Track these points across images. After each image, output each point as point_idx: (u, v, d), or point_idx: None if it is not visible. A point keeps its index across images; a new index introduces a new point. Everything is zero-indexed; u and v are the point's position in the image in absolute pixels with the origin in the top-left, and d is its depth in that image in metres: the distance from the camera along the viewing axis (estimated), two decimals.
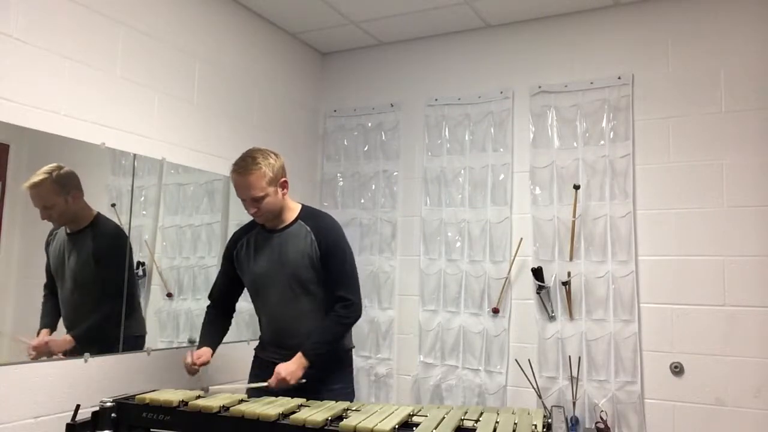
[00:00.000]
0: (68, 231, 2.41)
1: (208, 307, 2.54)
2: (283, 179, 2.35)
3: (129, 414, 1.92)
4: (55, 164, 2.31)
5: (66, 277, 2.38)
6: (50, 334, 2.26)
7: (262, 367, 2.42)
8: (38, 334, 2.26)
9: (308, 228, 2.36)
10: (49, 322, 2.28)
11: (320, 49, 3.95)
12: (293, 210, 2.42)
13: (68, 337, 2.37)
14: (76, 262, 2.40)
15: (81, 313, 2.44)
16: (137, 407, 1.91)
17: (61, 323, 2.36)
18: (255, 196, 2.26)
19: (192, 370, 2.28)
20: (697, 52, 3.02)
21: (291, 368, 2.19)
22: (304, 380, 2.20)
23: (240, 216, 3.22)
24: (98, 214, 2.49)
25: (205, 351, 2.33)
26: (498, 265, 3.32)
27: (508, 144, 3.38)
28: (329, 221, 2.43)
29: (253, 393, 2.21)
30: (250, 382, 2.44)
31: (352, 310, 2.33)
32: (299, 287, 2.34)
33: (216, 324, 2.49)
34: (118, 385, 2.45)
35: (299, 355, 2.22)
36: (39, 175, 2.26)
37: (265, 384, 2.20)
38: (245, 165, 2.27)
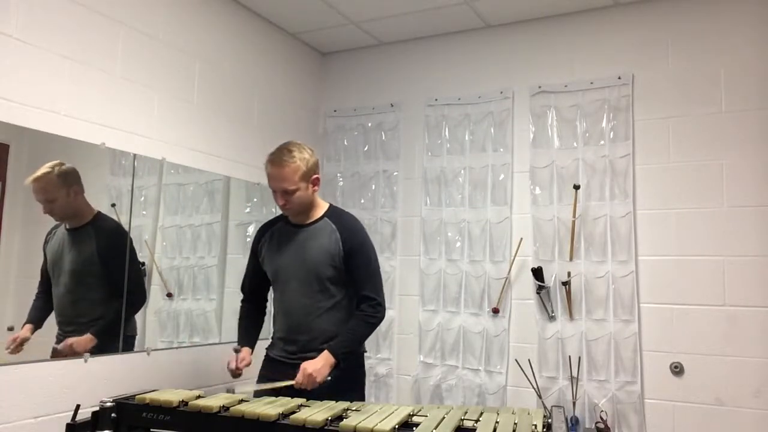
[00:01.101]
0: (68, 227, 2.43)
1: (242, 301, 2.58)
2: (315, 176, 2.37)
3: (129, 414, 1.92)
4: (57, 161, 2.35)
5: (63, 272, 2.39)
6: (33, 331, 2.26)
7: (270, 366, 2.42)
8: (22, 327, 2.25)
9: (334, 226, 2.37)
10: (35, 318, 2.28)
11: (320, 49, 3.95)
12: (321, 207, 2.44)
13: (90, 336, 2.42)
14: (76, 258, 2.42)
15: (78, 311, 2.45)
16: (137, 407, 1.91)
17: (51, 319, 2.35)
18: (287, 188, 2.29)
19: (236, 374, 2.32)
20: (697, 52, 3.02)
21: (318, 365, 2.19)
22: (329, 378, 2.20)
23: (240, 216, 3.23)
24: (98, 212, 2.51)
25: (247, 353, 2.37)
26: (498, 265, 3.32)
27: (508, 144, 3.38)
28: (355, 221, 2.46)
29: (269, 392, 2.21)
30: (258, 381, 2.44)
31: (378, 310, 2.34)
32: (318, 284, 2.34)
33: (251, 320, 2.54)
34: (118, 385, 2.45)
35: (326, 352, 2.23)
36: (42, 169, 2.30)
37: (291, 382, 2.19)
38: (281, 157, 2.30)
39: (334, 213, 2.44)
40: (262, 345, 2.50)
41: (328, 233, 2.36)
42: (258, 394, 2.24)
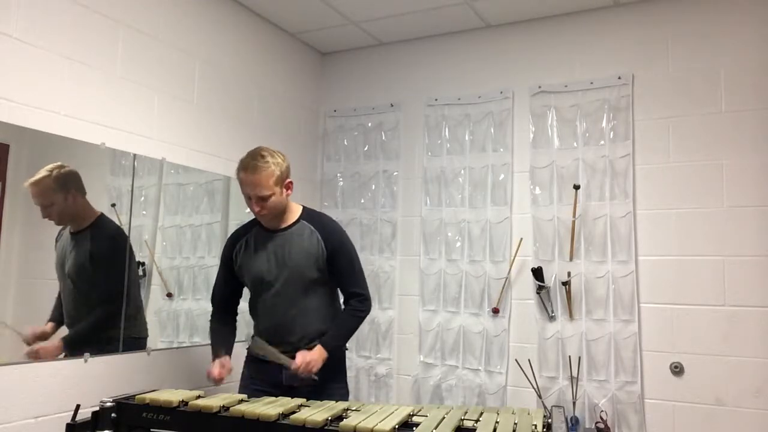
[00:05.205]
0: (71, 230, 2.42)
1: (212, 313, 2.55)
2: (288, 180, 2.38)
3: (129, 414, 1.92)
4: (57, 163, 2.33)
5: (64, 275, 2.39)
6: (56, 328, 2.28)
7: (255, 366, 2.43)
8: (45, 324, 2.29)
9: (312, 228, 2.39)
10: (56, 316, 2.30)
11: (320, 49, 3.95)
12: (294, 211, 2.45)
13: (58, 342, 2.33)
14: (74, 262, 2.41)
15: (80, 313, 2.44)
16: (137, 407, 1.91)
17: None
18: (262, 194, 2.29)
19: (219, 382, 2.34)
20: (697, 52, 3.02)
21: (315, 356, 2.25)
22: (317, 377, 2.24)
23: (240, 216, 3.22)
24: (101, 214, 2.49)
25: (226, 360, 2.39)
26: (498, 265, 3.32)
27: (508, 144, 3.38)
28: (332, 222, 2.50)
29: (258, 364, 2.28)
30: (242, 380, 2.47)
31: (366, 304, 2.43)
32: (302, 286, 2.36)
33: (225, 329, 2.52)
34: (118, 385, 2.45)
35: (319, 347, 2.28)
36: (40, 173, 2.27)
37: (290, 362, 2.24)
38: (255, 163, 2.29)
39: (309, 215, 2.46)
40: (241, 346, 2.50)
41: (307, 235, 2.38)
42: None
